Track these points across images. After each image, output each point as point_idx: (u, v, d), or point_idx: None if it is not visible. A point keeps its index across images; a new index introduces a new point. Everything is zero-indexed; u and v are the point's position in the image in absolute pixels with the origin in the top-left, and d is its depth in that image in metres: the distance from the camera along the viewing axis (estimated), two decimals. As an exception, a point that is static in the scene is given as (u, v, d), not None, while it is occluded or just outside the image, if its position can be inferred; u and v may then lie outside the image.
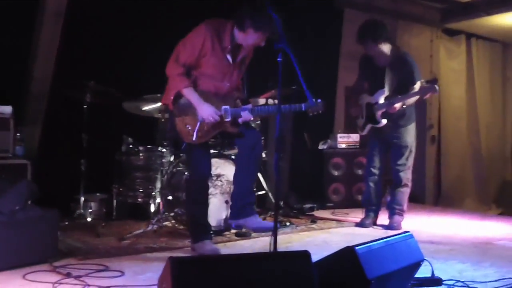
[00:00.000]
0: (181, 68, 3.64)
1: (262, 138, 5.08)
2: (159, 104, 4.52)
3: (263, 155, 5.40)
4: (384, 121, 4.83)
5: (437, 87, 4.60)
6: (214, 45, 3.65)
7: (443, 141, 8.47)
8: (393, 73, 4.77)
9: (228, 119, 3.75)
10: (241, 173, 3.99)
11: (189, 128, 3.70)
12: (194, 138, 3.69)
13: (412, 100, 4.78)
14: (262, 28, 3.59)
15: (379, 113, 4.82)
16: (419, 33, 7.90)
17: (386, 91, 4.78)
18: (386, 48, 4.79)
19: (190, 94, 3.66)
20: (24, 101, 4.91)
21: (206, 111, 3.65)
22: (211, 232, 4.00)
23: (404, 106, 4.76)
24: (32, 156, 4.77)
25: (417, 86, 4.74)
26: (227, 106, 3.74)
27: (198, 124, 3.68)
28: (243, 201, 3.94)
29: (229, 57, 3.74)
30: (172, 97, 3.68)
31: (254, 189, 4.64)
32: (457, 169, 8.52)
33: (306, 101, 3.56)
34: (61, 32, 4.88)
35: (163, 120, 4.70)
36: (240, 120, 3.80)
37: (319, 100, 3.69)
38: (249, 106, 3.82)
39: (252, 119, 4.01)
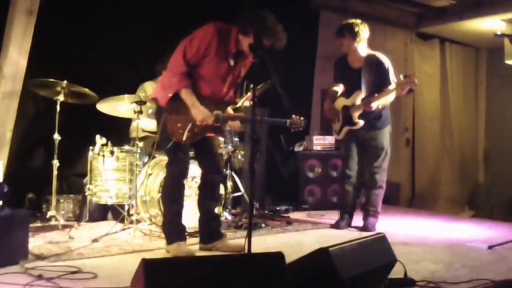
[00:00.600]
0: (185, 66, 3.62)
1: (237, 139, 5.10)
2: (133, 104, 4.47)
3: (239, 156, 5.41)
4: (361, 122, 4.85)
5: (415, 80, 4.59)
6: (219, 46, 3.65)
7: (417, 144, 8.57)
8: (369, 74, 4.81)
9: (218, 125, 3.79)
10: (204, 199, 4.01)
11: (180, 127, 3.70)
12: (184, 138, 3.70)
13: (389, 98, 4.80)
14: (265, 35, 3.60)
15: (356, 114, 4.85)
16: (394, 37, 7.99)
17: (363, 92, 4.81)
18: (362, 48, 4.83)
19: (187, 95, 3.65)
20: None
21: (202, 114, 3.66)
22: (186, 233, 3.97)
23: (380, 107, 4.79)
24: (3, 156, 4.69)
25: (391, 87, 4.78)
26: (219, 112, 3.78)
27: (190, 124, 3.69)
28: (210, 227, 4.00)
29: (231, 61, 3.76)
30: (170, 95, 3.65)
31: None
32: (430, 172, 8.63)
33: (283, 104, 3.55)
34: (34, 31, 4.81)
35: (136, 120, 4.64)
36: (227, 127, 3.87)
37: (301, 118, 3.78)
38: (240, 114, 3.90)
39: (239, 127, 4.07)
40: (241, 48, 3.75)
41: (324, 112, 5.25)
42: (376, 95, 4.74)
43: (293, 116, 3.77)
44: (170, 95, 3.65)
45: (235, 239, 4.31)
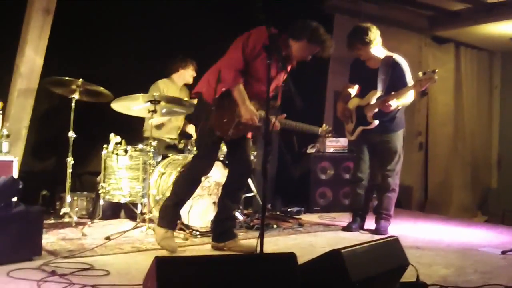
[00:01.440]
0: (242, 63, 3.66)
1: (251, 139, 5.11)
2: (147, 103, 4.49)
3: (252, 157, 5.42)
4: (376, 122, 4.81)
5: (435, 76, 4.51)
6: (272, 50, 3.67)
7: (430, 147, 8.54)
8: (385, 74, 4.78)
9: (260, 125, 3.80)
10: (227, 199, 4.01)
11: (226, 122, 3.74)
12: (229, 133, 3.75)
13: (408, 99, 4.76)
14: (316, 41, 3.81)
15: (370, 114, 4.83)
16: (408, 40, 7.96)
17: (379, 91, 4.79)
18: (377, 51, 4.83)
19: (239, 93, 3.68)
20: (11, 97, 4.87)
21: (250, 112, 3.71)
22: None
23: (399, 106, 4.74)
24: (18, 153, 4.74)
25: (410, 92, 4.76)
26: (263, 112, 3.71)
27: (236, 121, 3.74)
28: (224, 226, 3.99)
29: (279, 63, 3.74)
30: (224, 89, 3.67)
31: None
32: (443, 176, 8.59)
33: (296, 105, 3.57)
34: (50, 29, 4.86)
35: (150, 119, 4.66)
36: (271, 127, 3.85)
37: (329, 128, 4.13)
38: (283, 116, 3.99)
39: (279, 128, 4.07)
40: (290, 53, 3.85)
41: (337, 113, 5.23)
42: (393, 93, 4.69)
43: (324, 125, 4.15)
44: (224, 89, 3.67)
45: (247, 240, 4.31)
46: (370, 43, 4.76)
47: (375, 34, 4.79)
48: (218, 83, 3.71)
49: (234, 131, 3.76)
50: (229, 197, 4.01)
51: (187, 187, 3.92)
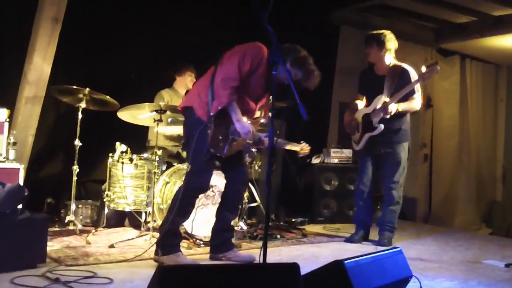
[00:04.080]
0: (238, 81, 3.59)
1: (255, 150, 5.12)
2: (153, 113, 4.51)
3: (256, 167, 5.43)
4: (382, 127, 4.79)
5: (438, 67, 4.53)
6: (263, 66, 3.66)
7: (434, 160, 8.52)
8: (391, 79, 4.80)
9: (251, 141, 3.81)
10: (225, 210, 4.00)
11: (221, 140, 3.68)
12: (225, 151, 3.69)
13: (414, 105, 4.79)
14: (300, 67, 3.75)
15: (376, 119, 4.84)
16: (413, 52, 7.97)
17: (384, 96, 4.80)
18: (388, 58, 4.87)
19: (234, 109, 3.64)
20: (19, 105, 4.91)
21: (245, 128, 3.66)
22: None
23: (400, 109, 4.72)
24: (24, 160, 4.77)
25: (417, 95, 4.79)
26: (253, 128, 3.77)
27: (231, 138, 3.71)
28: (222, 237, 3.98)
29: (267, 83, 3.73)
30: (220, 108, 3.58)
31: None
32: (447, 188, 8.56)
33: (300, 115, 3.55)
34: (58, 38, 4.90)
35: (156, 128, 4.69)
36: (261, 142, 3.88)
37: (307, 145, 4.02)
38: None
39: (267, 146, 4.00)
40: (279, 74, 3.63)
41: (344, 124, 5.24)
42: (395, 95, 4.70)
43: (302, 142, 3.96)
44: (220, 107, 3.58)
45: (245, 250, 4.32)
46: (384, 45, 4.84)
47: (391, 42, 4.89)
48: (212, 100, 3.60)
49: (229, 147, 3.72)
50: (227, 207, 4.00)
51: (183, 212, 3.78)
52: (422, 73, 4.59)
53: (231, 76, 3.58)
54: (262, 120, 4.07)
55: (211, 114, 3.60)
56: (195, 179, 3.73)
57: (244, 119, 3.71)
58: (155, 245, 3.78)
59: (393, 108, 4.69)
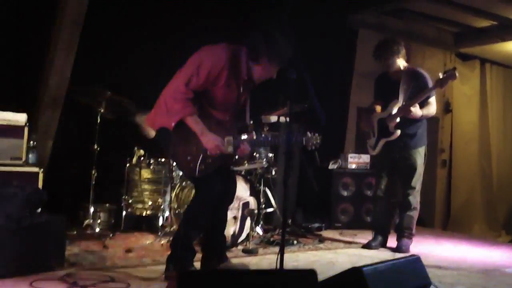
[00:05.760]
0: (190, 93, 3.27)
1: (271, 155, 5.10)
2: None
3: (273, 172, 5.41)
4: (398, 132, 4.78)
5: (456, 73, 4.49)
6: (230, 76, 3.35)
7: (454, 165, 8.44)
8: (407, 84, 4.78)
9: (230, 152, 3.43)
10: (220, 215, 3.66)
11: (190, 160, 3.35)
12: (197, 172, 3.34)
13: (431, 110, 4.76)
14: (276, 59, 3.35)
15: (392, 124, 4.81)
16: (432, 56, 7.92)
17: (400, 102, 4.77)
18: (401, 64, 4.84)
19: (194, 123, 3.29)
20: (39, 109, 4.95)
21: (213, 142, 3.31)
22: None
23: (422, 115, 4.70)
24: (43, 164, 4.81)
25: (432, 99, 4.76)
26: (230, 137, 3.42)
27: (201, 155, 3.35)
28: (213, 243, 3.65)
29: (240, 88, 3.47)
30: (174, 124, 3.26)
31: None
32: (467, 194, 8.47)
33: (318, 120, 3.50)
34: (79, 41, 4.93)
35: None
36: (238, 152, 3.49)
37: (315, 134, 3.49)
38: (251, 136, 3.54)
39: (249, 151, 3.62)
40: (253, 76, 3.47)
41: (361, 123, 5.20)
42: (414, 100, 4.65)
43: (308, 133, 3.48)
44: (174, 124, 3.26)
45: (262, 256, 4.29)
46: (397, 53, 4.79)
47: (402, 47, 4.85)
48: (170, 117, 3.28)
49: (203, 166, 3.33)
50: (222, 212, 3.69)
51: (197, 225, 3.47)
52: (439, 79, 4.55)
53: (181, 88, 3.26)
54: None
55: (171, 131, 3.29)
56: (203, 194, 3.47)
57: (211, 133, 3.33)
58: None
59: (418, 112, 4.66)
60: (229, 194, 3.72)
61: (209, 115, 3.41)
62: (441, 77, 4.53)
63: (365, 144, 5.24)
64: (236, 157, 3.59)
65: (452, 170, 8.43)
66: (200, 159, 3.33)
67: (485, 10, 6.89)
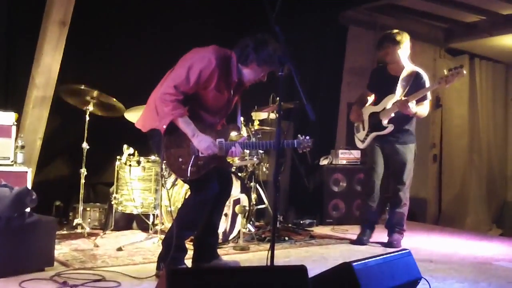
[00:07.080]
0: (180, 95, 3.25)
1: (262, 152, 5.10)
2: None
3: (264, 169, 5.40)
4: (391, 127, 4.78)
5: (464, 71, 4.47)
6: (220, 79, 3.35)
7: (444, 160, 8.47)
8: (406, 82, 4.77)
9: (222, 153, 3.42)
10: (214, 215, 3.67)
11: (182, 162, 3.34)
12: (188, 175, 3.33)
13: (424, 109, 4.75)
14: (266, 63, 3.36)
15: (386, 118, 4.80)
16: (423, 52, 7.92)
17: (397, 96, 4.76)
18: (403, 58, 4.83)
19: (186, 124, 3.28)
20: (27, 108, 4.92)
21: (204, 143, 3.30)
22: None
23: (416, 113, 4.69)
24: (32, 164, 4.78)
25: (426, 102, 4.76)
26: (221, 139, 3.41)
27: (193, 157, 3.33)
28: (206, 241, 3.66)
29: (231, 91, 3.50)
30: (165, 126, 3.25)
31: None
32: (458, 189, 8.51)
33: (308, 116, 3.48)
34: (66, 41, 4.91)
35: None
36: (229, 155, 3.46)
37: (307, 138, 3.53)
38: (242, 139, 3.56)
39: (240, 154, 3.57)
40: (243, 79, 3.48)
41: (351, 116, 5.17)
42: (413, 95, 4.63)
43: (299, 136, 3.53)
44: (165, 126, 3.25)
45: (254, 253, 4.30)
46: (399, 43, 4.79)
47: (405, 38, 4.85)
48: (160, 119, 3.28)
49: (194, 168, 3.32)
50: (217, 212, 3.69)
51: (192, 227, 3.49)
52: (444, 76, 4.52)
53: (170, 90, 3.25)
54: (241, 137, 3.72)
55: (162, 135, 3.29)
56: (199, 194, 3.46)
57: (202, 134, 3.33)
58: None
59: (414, 109, 4.64)
60: (224, 195, 3.73)
61: (200, 118, 3.41)
62: (446, 73, 4.51)
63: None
64: (230, 156, 3.56)
65: (443, 164, 8.47)
66: (191, 161, 3.33)
67: (473, 5, 6.92)
